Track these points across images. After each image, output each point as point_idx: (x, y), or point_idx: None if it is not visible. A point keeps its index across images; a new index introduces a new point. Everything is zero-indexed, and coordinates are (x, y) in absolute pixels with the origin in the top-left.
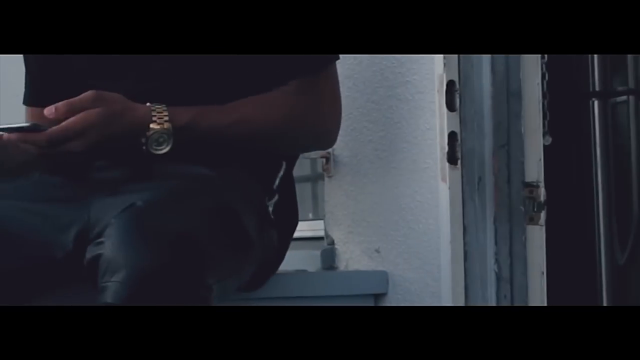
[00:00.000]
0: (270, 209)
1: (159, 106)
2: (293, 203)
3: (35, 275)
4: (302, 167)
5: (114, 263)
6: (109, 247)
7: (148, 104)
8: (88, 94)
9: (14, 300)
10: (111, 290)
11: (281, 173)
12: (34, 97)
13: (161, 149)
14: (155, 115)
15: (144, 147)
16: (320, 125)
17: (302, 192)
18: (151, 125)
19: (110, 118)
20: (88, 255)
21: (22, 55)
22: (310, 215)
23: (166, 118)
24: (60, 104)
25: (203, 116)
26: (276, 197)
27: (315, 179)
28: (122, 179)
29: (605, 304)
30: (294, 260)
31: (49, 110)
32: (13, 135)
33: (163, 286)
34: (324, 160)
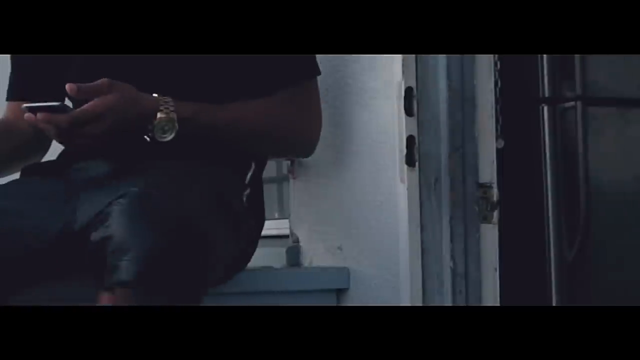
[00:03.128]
0: (244, 199)
1: (165, 97)
2: (261, 202)
3: (17, 265)
4: (268, 169)
5: (124, 245)
6: (116, 230)
7: (155, 95)
8: (103, 81)
9: None
10: (123, 268)
11: (250, 172)
12: (21, 92)
13: (166, 137)
14: (162, 105)
15: (150, 134)
16: (303, 133)
17: (269, 192)
18: (158, 114)
19: (126, 104)
20: (94, 237)
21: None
22: (276, 215)
23: (172, 108)
24: (81, 85)
25: (205, 112)
26: (248, 190)
27: (281, 180)
28: (104, 175)
29: (554, 298)
30: (260, 257)
31: (71, 87)
32: (40, 116)
33: (171, 264)
34: (289, 162)
